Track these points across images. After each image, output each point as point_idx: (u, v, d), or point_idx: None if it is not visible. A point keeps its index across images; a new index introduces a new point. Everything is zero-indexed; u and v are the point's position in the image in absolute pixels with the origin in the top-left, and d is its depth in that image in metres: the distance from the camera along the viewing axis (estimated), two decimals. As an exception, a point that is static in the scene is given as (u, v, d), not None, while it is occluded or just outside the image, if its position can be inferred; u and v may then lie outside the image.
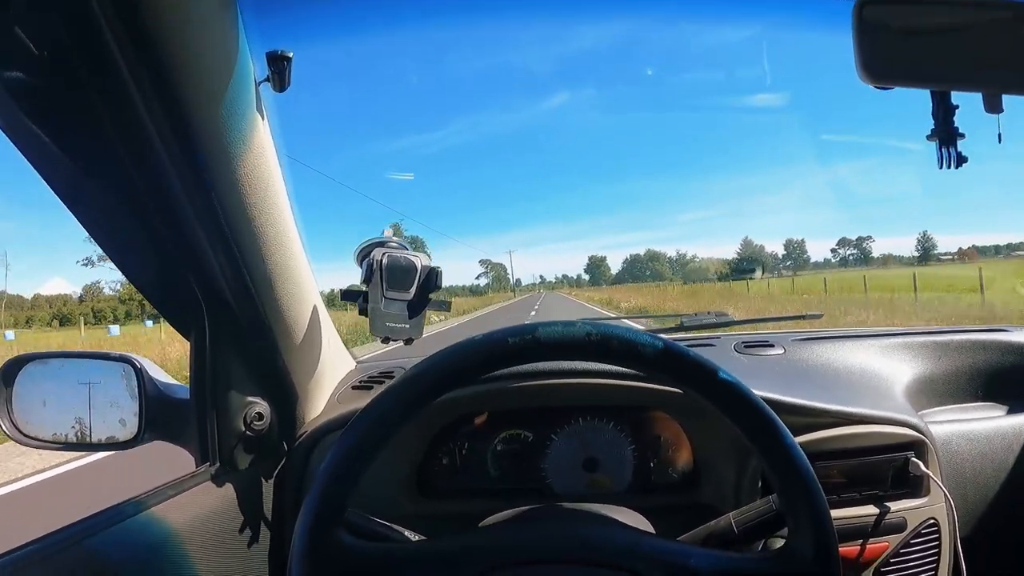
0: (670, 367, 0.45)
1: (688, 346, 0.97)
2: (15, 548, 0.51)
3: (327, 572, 0.44)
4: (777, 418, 0.45)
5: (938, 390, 0.90)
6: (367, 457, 0.45)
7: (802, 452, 0.45)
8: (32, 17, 0.42)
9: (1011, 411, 0.87)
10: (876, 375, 0.85)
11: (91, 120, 0.48)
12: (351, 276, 0.75)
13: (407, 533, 0.54)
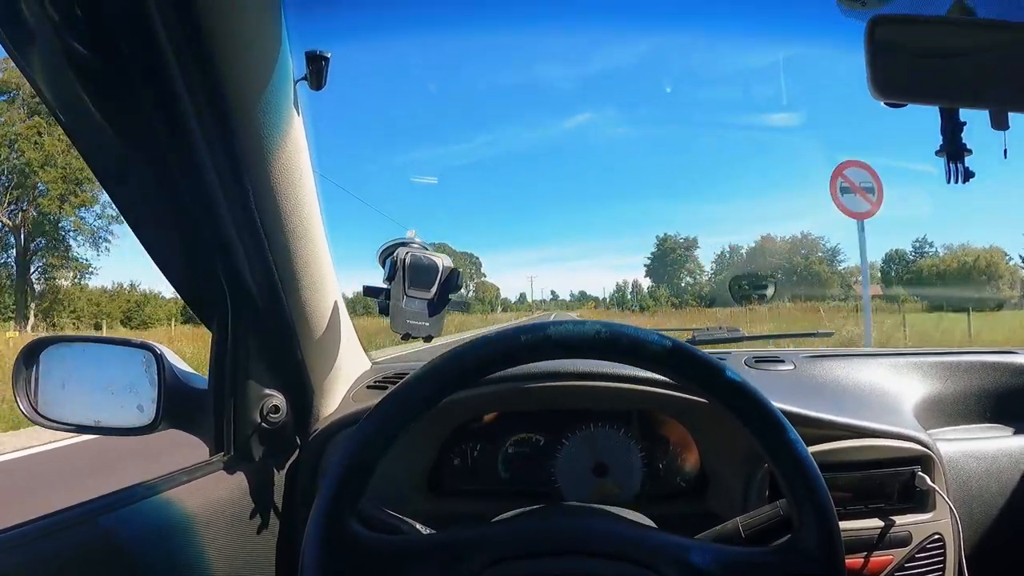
0: (677, 365, 0.47)
1: None
2: (30, 520, 0.52)
3: (339, 561, 0.45)
4: (781, 415, 0.47)
5: (947, 410, 0.90)
6: (382, 448, 0.46)
7: (805, 447, 0.47)
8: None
9: (1018, 432, 0.88)
10: (886, 392, 0.86)
11: (135, 100, 0.50)
12: (367, 278, 0.77)
13: (418, 527, 0.54)
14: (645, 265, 62.82)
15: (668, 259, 59.89)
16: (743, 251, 55.22)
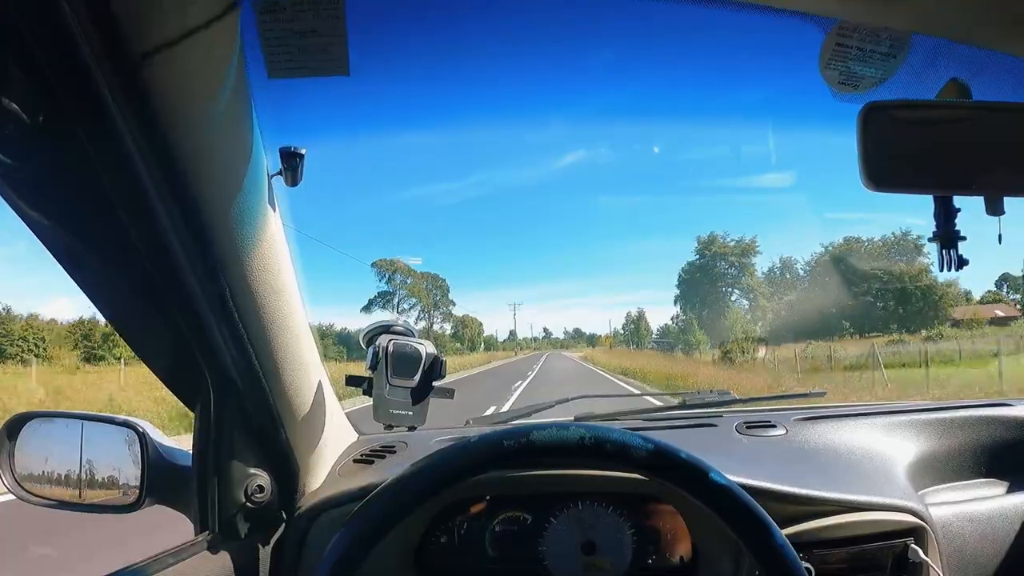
0: (663, 469, 0.48)
1: (690, 425, 0.96)
2: None
3: None
4: (769, 519, 0.47)
5: (940, 468, 0.89)
6: (363, 553, 0.46)
7: (794, 552, 0.47)
8: (55, 118, 0.43)
9: (1012, 488, 0.87)
10: (878, 455, 0.85)
11: (101, 207, 0.49)
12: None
13: None
14: (677, 284, 41.20)
15: (715, 271, 38.18)
16: (798, 265, 36.83)
